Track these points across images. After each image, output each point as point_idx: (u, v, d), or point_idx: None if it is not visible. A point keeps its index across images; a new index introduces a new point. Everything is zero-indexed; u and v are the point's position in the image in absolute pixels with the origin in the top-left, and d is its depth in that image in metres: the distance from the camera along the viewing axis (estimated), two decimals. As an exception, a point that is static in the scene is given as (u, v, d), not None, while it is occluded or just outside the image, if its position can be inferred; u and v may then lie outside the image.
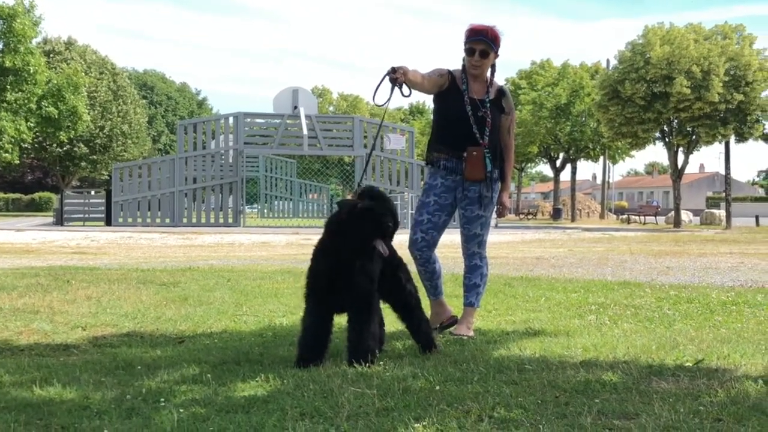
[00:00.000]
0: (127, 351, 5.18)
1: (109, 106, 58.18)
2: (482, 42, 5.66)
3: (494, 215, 6.07)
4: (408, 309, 4.98)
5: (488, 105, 5.74)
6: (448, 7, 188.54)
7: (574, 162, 53.66)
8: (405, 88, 5.40)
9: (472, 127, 5.68)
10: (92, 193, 41.35)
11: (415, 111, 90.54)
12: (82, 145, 56.48)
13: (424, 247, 5.77)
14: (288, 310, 6.96)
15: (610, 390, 3.85)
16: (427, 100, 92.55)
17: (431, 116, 6.19)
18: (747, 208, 64.23)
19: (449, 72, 5.81)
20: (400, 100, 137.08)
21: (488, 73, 5.84)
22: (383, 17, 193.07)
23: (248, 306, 7.31)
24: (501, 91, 5.87)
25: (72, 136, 47.95)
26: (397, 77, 5.28)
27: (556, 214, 53.21)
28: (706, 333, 5.73)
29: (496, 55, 5.77)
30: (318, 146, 34.46)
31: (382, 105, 5.36)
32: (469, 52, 5.72)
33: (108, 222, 33.00)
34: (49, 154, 56.26)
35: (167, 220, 33.16)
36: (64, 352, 5.25)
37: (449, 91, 5.77)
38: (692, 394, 3.75)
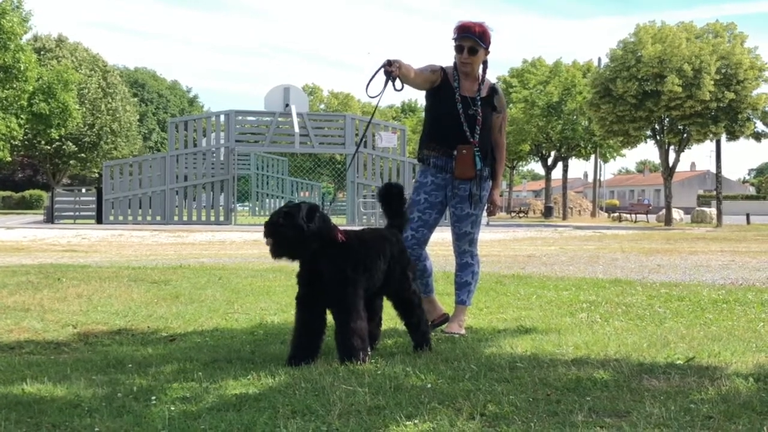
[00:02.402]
0: (118, 349, 5.17)
1: (99, 104, 57.95)
2: (470, 39, 5.64)
3: (485, 213, 6.06)
4: (411, 307, 4.98)
5: (479, 103, 5.73)
6: (439, 4, 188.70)
7: (565, 160, 53.72)
8: (398, 83, 5.35)
9: (463, 125, 5.67)
10: (83, 190, 41.22)
11: (407, 109, 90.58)
12: (71, 144, 56.25)
13: (414, 245, 5.76)
14: (279, 308, 6.95)
15: (602, 388, 3.85)
16: (419, 98, 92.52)
17: (423, 114, 6.19)
18: (738, 206, 64.41)
19: (442, 69, 5.79)
20: (392, 97, 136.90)
21: (480, 71, 5.82)
22: (374, 15, 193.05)
23: (239, 304, 7.30)
24: (493, 89, 5.86)
25: (62, 134, 47.83)
26: (392, 71, 5.24)
27: (548, 212, 53.26)
28: (696, 331, 5.74)
29: (487, 52, 5.75)
30: (309, 144, 34.44)
31: (375, 97, 5.31)
32: (458, 49, 5.71)
33: (99, 220, 32.92)
34: (39, 151, 56.08)
35: (158, 218, 33.09)
36: (55, 350, 5.24)
37: (441, 88, 5.76)
38: (683, 392, 3.76)
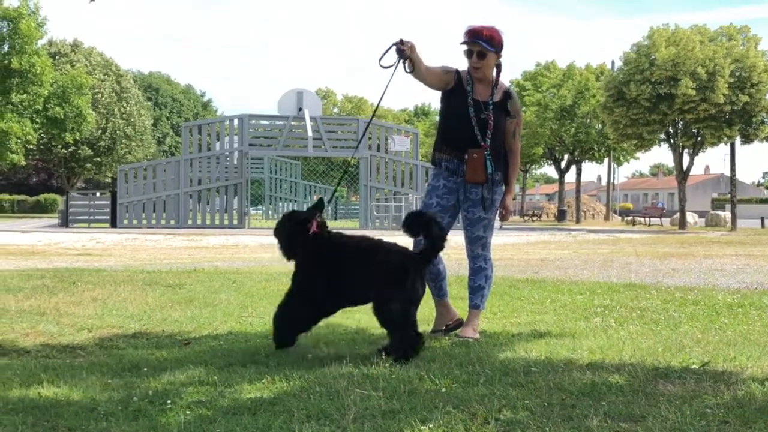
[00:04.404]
0: (133, 353, 5.19)
1: (113, 108, 58.19)
2: (477, 44, 5.64)
3: (498, 217, 6.05)
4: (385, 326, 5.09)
5: (491, 107, 5.72)
6: (452, 8, 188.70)
7: (578, 163, 53.62)
8: (408, 65, 5.42)
9: (474, 129, 5.67)
10: (97, 194, 41.39)
11: (420, 112, 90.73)
12: (86, 147, 56.51)
13: None
14: (293, 312, 6.95)
15: (617, 392, 3.84)
16: (432, 102, 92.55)
17: (436, 117, 6.21)
18: (752, 209, 64.22)
19: (456, 71, 5.78)
20: (404, 102, 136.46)
21: (493, 74, 5.81)
22: (387, 19, 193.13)
23: (254, 308, 7.31)
24: (507, 94, 5.83)
25: (77, 138, 48.03)
26: (404, 49, 5.34)
27: (561, 215, 53.15)
28: (712, 335, 5.72)
29: (498, 56, 5.74)
30: (322, 148, 34.48)
31: (388, 68, 5.39)
32: (468, 54, 5.71)
33: (113, 224, 33.04)
34: (54, 155, 56.37)
35: (172, 222, 33.18)
36: (71, 354, 5.27)
37: (454, 90, 5.76)
38: (698, 397, 3.75)
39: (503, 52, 5.77)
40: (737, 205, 37.93)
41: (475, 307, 5.86)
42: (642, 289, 9.02)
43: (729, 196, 40.18)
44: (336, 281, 4.93)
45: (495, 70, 5.78)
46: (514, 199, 6.20)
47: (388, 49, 5.40)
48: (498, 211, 5.97)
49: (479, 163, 5.66)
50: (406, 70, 5.48)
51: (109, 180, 63.27)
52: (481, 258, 5.91)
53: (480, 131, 5.66)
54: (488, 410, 3.49)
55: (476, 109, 5.68)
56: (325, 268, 4.94)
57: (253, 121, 35.09)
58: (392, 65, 5.41)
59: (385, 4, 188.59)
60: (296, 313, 4.99)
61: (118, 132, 58.55)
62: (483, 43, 5.62)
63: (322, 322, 5.29)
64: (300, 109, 33.78)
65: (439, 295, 5.93)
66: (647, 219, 45.07)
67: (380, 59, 5.40)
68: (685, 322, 6.52)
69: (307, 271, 5.02)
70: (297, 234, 5.02)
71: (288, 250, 5.11)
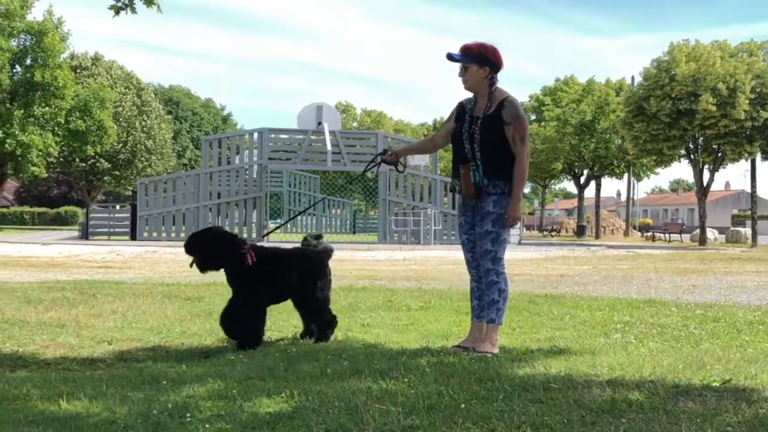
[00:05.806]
0: (152, 365, 5.21)
1: (133, 121, 58.47)
2: (457, 60, 5.87)
3: (514, 231, 6.05)
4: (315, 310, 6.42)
5: (480, 121, 5.77)
6: (472, 25, 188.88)
7: (598, 179, 53.40)
8: (400, 166, 6.28)
9: (464, 144, 5.81)
10: (117, 207, 41.64)
11: (439, 126, 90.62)
12: (105, 161, 56.72)
13: (476, 266, 5.92)
14: (312, 326, 6.95)
15: (637, 410, 3.82)
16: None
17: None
18: (773, 226, 63.63)
19: (459, 103, 6.03)
20: (423, 116, 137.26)
21: (486, 87, 5.84)
22: (408, 34, 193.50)
23: (272, 321, 7.31)
24: (501, 103, 5.81)
25: (98, 151, 48.36)
26: (386, 159, 6.19)
27: (580, 231, 52.92)
28: (732, 353, 5.68)
29: (482, 67, 5.81)
30: (341, 162, 34.54)
31: (366, 171, 6.47)
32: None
33: (133, 236, 33.18)
34: (74, 168, 56.69)
35: (191, 235, 33.28)
36: (90, 366, 5.30)
37: (458, 119, 5.97)
38: (719, 415, 3.72)
39: (497, 66, 5.87)
40: (758, 221, 37.67)
41: (490, 321, 5.82)
42: (662, 305, 8.97)
43: (750, 212, 39.90)
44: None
45: (488, 83, 5.82)
46: (531, 214, 6.26)
47: (372, 162, 6.34)
48: (505, 223, 5.88)
49: (467, 177, 5.79)
50: (399, 171, 6.41)
51: (130, 193, 63.54)
52: (492, 272, 5.85)
53: (469, 146, 5.77)
54: (508, 426, 3.47)
55: (469, 126, 5.78)
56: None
57: (273, 135, 35.20)
58: (374, 164, 6.38)
59: (406, 19, 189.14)
60: None
61: (138, 145, 58.83)
62: (458, 57, 5.84)
63: (341, 335, 5.28)
64: (319, 123, 33.86)
65: (479, 316, 5.93)
66: (667, 235, 44.78)
67: (365, 170, 6.38)
68: (706, 339, 6.48)
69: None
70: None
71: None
